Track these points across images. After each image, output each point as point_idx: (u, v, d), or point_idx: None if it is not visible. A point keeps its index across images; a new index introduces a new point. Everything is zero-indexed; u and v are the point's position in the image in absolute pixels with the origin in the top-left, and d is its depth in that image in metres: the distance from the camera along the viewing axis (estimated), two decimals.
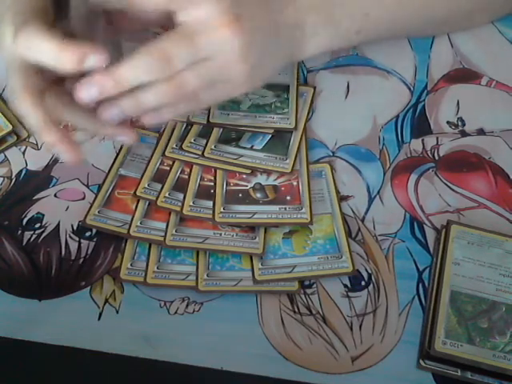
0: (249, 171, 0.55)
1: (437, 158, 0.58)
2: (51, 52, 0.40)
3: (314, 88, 0.61)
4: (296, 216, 0.52)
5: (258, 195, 0.54)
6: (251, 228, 0.52)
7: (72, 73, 0.41)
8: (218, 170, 0.55)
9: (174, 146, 0.56)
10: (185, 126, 0.58)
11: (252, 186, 0.54)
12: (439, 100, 0.62)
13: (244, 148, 0.56)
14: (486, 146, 0.58)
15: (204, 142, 0.56)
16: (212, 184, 0.54)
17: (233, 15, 0.42)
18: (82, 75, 0.41)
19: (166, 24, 0.44)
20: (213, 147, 0.56)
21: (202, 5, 0.41)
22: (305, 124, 0.58)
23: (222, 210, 0.52)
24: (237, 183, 0.54)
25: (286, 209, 0.53)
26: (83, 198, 0.55)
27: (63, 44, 0.40)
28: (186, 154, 0.55)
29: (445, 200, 0.55)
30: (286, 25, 0.48)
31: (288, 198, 0.53)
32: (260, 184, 0.54)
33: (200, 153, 0.55)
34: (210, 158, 0.55)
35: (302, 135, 0.57)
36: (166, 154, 0.55)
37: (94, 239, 0.53)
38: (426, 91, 0.62)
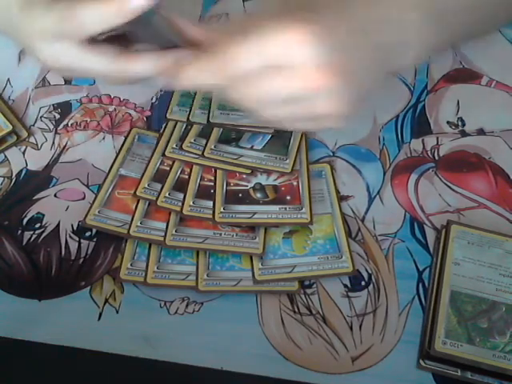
0: (249, 171, 0.55)
1: (437, 157, 0.58)
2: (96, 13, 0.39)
3: None
4: (296, 216, 0.52)
5: (258, 195, 0.54)
6: (251, 228, 0.52)
7: None
8: (217, 170, 0.55)
9: (174, 145, 0.56)
10: (185, 126, 0.58)
11: (252, 186, 0.54)
12: (439, 100, 0.62)
13: (244, 148, 0.56)
14: (486, 146, 0.58)
15: (204, 142, 0.56)
16: (212, 184, 0.54)
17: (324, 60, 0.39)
18: None
19: None
20: (213, 147, 0.56)
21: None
22: None
23: (222, 209, 0.52)
24: (237, 183, 0.54)
25: (286, 209, 0.53)
26: (83, 198, 0.55)
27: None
28: (186, 154, 0.55)
29: (445, 200, 0.55)
30: (389, 34, 0.44)
31: (288, 197, 0.53)
32: (260, 184, 0.54)
33: (200, 153, 0.55)
34: (210, 157, 0.55)
35: (301, 135, 0.57)
36: (166, 154, 0.55)
37: (94, 239, 0.53)
38: (426, 91, 0.62)
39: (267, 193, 0.54)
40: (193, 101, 0.59)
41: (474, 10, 0.50)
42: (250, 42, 0.39)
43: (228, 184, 0.54)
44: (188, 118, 0.58)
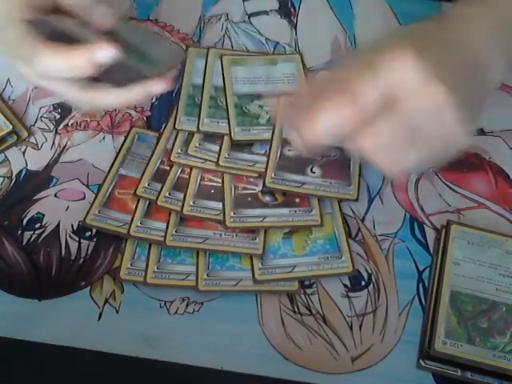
0: (256, 175, 0.54)
1: None
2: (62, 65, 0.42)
3: None
4: (306, 218, 0.52)
5: (267, 198, 0.54)
6: None
7: None
8: (224, 175, 0.55)
9: (179, 150, 0.56)
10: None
11: (260, 189, 0.54)
12: None
13: (257, 154, 0.56)
14: (486, 146, 0.58)
15: (209, 146, 0.56)
16: (212, 184, 0.54)
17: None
18: None
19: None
20: (226, 155, 0.55)
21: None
22: None
23: (232, 214, 0.52)
24: (245, 187, 0.54)
25: (295, 211, 0.53)
26: (83, 198, 0.55)
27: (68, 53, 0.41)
28: (192, 158, 0.55)
29: (445, 200, 0.55)
30: (470, 56, 0.41)
31: (297, 200, 0.53)
32: (268, 187, 0.54)
33: (205, 157, 0.55)
34: (226, 166, 0.55)
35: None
36: (172, 159, 0.55)
37: (94, 239, 0.53)
38: None
39: (276, 196, 0.54)
40: (200, 109, 0.58)
41: None
42: (366, 77, 0.37)
43: (236, 188, 0.54)
44: (198, 128, 0.57)
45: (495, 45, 0.44)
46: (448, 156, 0.41)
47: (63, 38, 0.42)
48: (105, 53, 0.41)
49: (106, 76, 0.43)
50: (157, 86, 0.43)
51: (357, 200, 0.53)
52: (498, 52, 0.45)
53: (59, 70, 0.42)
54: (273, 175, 0.54)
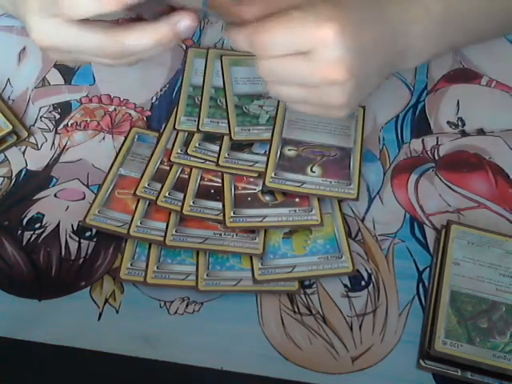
0: (256, 175, 0.54)
1: (437, 158, 0.58)
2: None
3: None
4: (306, 218, 0.52)
5: (267, 198, 0.53)
6: None
7: None
8: (224, 175, 0.55)
9: (179, 150, 0.56)
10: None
11: (260, 189, 0.54)
12: (439, 100, 0.62)
13: (257, 154, 0.56)
14: (486, 145, 0.58)
15: (209, 146, 0.56)
16: (212, 184, 0.54)
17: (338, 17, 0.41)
18: None
19: None
20: (226, 155, 0.55)
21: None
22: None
23: (232, 214, 0.52)
24: (244, 187, 0.54)
25: (295, 211, 0.53)
26: (83, 198, 0.55)
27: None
28: (192, 158, 0.55)
29: (445, 200, 0.55)
30: (398, 36, 0.46)
31: (297, 200, 0.53)
32: (268, 187, 0.54)
33: (205, 157, 0.55)
34: (226, 166, 0.54)
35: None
36: (172, 159, 0.55)
37: (94, 239, 0.53)
38: (426, 91, 0.62)
39: (276, 195, 0.54)
40: (200, 110, 0.58)
41: (486, 18, 0.51)
42: (284, 26, 0.41)
43: (236, 188, 0.54)
44: (198, 128, 0.57)
45: (431, 31, 0.47)
46: (326, 116, 0.48)
47: None
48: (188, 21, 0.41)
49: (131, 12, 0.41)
50: (186, 19, 0.42)
51: (357, 199, 0.53)
52: (432, 39, 0.48)
53: (86, 7, 0.40)
54: (273, 175, 0.54)
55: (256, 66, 0.44)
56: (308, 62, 0.42)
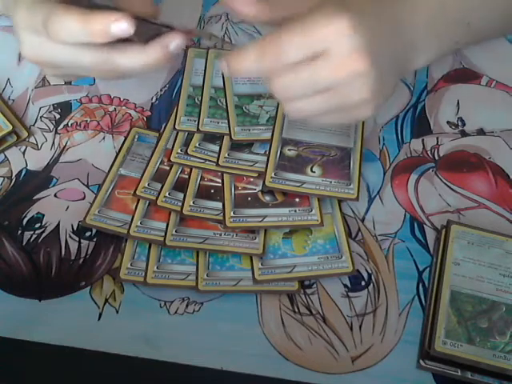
0: (256, 174, 0.54)
1: (437, 158, 0.58)
2: (79, 26, 0.40)
3: None
4: (306, 218, 0.52)
5: (267, 198, 0.53)
6: None
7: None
8: (224, 174, 0.55)
9: (179, 150, 0.56)
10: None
11: (260, 188, 0.54)
12: (439, 100, 0.62)
13: (257, 154, 0.56)
14: (486, 145, 0.58)
15: (209, 146, 0.56)
16: (212, 184, 0.54)
17: (350, 16, 0.40)
18: None
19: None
20: (226, 155, 0.55)
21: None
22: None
23: (232, 214, 0.52)
24: (244, 187, 0.54)
25: (295, 211, 0.53)
26: (83, 198, 0.55)
27: (87, 16, 0.40)
28: (192, 158, 0.55)
29: (445, 200, 0.55)
30: (404, 35, 0.45)
31: (297, 200, 0.53)
32: (268, 186, 0.54)
33: (205, 157, 0.55)
34: (226, 166, 0.54)
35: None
36: (172, 159, 0.55)
37: (94, 239, 0.53)
38: (425, 91, 0.62)
39: (276, 195, 0.54)
40: (200, 110, 0.58)
41: (490, 17, 0.51)
42: (296, 31, 0.40)
43: (236, 188, 0.54)
44: (198, 128, 0.57)
45: (434, 29, 0.47)
46: (351, 121, 0.47)
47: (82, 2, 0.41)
48: (123, 25, 0.40)
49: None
50: (175, 40, 0.42)
51: (357, 199, 0.53)
52: (435, 38, 0.48)
53: (74, 34, 0.41)
54: (273, 175, 0.54)
55: (268, 86, 0.43)
56: (325, 61, 0.41)
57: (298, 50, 0.41)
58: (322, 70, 0.41)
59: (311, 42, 0.40)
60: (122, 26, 0.40)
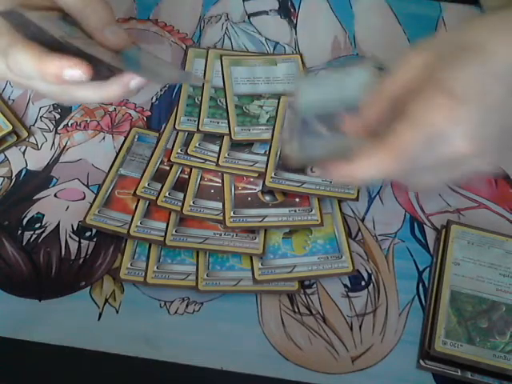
0: (256, 175, 0.54)
1: None
2: (33, 66, 0.41)
3: None
4: (306, 218, 0.52)
5: (267, 198, 0.53)
6: None
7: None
8: (224, 174, 0.55)
9: (179, 150, 0.56)
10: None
11: (260, 188, 0.54)
12: None
13: (257, 154, 0.56)
14: None
15: (209, 146, 0.56)
16: (212, 184, 0.54)
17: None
18: None
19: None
20: (226, 155, 0.55)
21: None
22: None
23: (232, 214, 0.52)
24: (244, 187, 0.54)
25: (295, 211, 0.53)
26: (83, 198, 0.55)
27: (42, 57, 0.41)
28: (192, 158, 0.55)
29: (445, 200, 0.55)
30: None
31: (297, 200, 0.53)
32: (268, 186, 0.54)
33: (205, 157, 0.55)
34: (226, 166, 0.54)
35: None
36: (172, 159, 0.55)
37: (94, 239, 0.53)
38: None
39: (276, 195, 0.54)
40: (200, 110, 0.58)
41: None
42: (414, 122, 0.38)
43: (236, 188, 0.54)
44: (198, 128, 0.57)
45: None
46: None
47: (46, 40, 0.41)
48: (77, 73, 0.40)
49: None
50: (135, 81, 0.42)
51: (357, 199, 0.53)
52: None
53: (28, 71, 0.42)
54: (273, 174, 0.54)
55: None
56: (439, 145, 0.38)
57: (430, 157, 0.39)
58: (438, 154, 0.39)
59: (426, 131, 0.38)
60: (75, 73, 0.40)
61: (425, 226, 0.54)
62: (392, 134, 0.39)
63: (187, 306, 0.50)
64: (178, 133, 0.57)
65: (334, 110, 0.44)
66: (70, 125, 0.59)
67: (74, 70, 0.40)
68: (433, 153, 0.38)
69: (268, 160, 0.55)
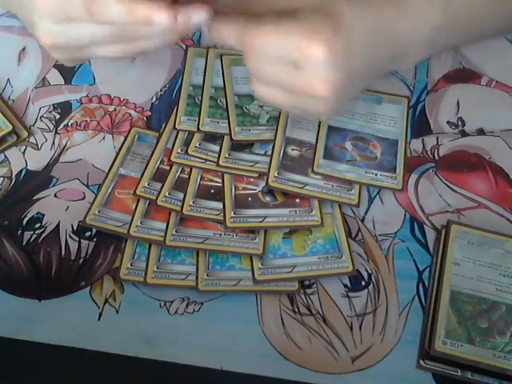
0: (256, 175, 0.54)
1: (437, 157, 0.58)
2: (122, 10, 0.40)
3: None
4: (307, 218, 0.52)
5: (268, 198, 0.53)
6: None
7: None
8: (225, 175, 0.55)
9: (179, 150, 0.56)
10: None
11: (260, 189, 0.54)
12: (439, 100, 0.62)
13: (258, 154, 0.56)
14: (486, 145, 0.58)
15: (209, 146, 0.56)
16: (212, 184, 0.54)
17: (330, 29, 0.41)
18: None
19: None
20: (226, 155, 0.55)
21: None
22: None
23: (232, 214, 0.52)
24: (245, 187, 0.54)
25: (296, 211, 0.53)
26: (83, 198, 0.55)
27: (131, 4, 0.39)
28: (192, 158, 0.55)
29: (445, 200, 0.55)
30: (392, 41, 0.45)
31: (297, 200, 0.53)
32: (270, 186, 0.54)
33: (205, 157, 0.55)
34: (226, 166, 0.54)
35: None
36: (172, 159, 0.55)
37: (94, 239, 0.53)
38: (425, 91, 0.62)
39: (276, 196, 0.54)
40: (200, 109, 0.58)
41: (489, 20, 0.51)
42: (276, 36, 0.41)
43: (236, 188, 0.54)
44: (198, 128, 0.57)
45: (422, 42, 0.47)
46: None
47: None
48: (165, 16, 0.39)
49: None
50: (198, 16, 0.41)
51: (357, 206, 0.53)
52: (419, 49, 0.48)
53: (116, 16, 0.40)
54: (276, 174, 0.54)
55: (244, 61, 0.45)
56: (295, 72, 0.42)
57: (272, 55, 0.42)
58: (289, 76, 0.43)
59: (287, 52, 0.42)
60: (163, 17, 0.39)
61: (425, 225, 0.54)
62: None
63: (187, 305, 0.50)
64: (178, 132, 0.57)
65: None
66: (69, 125, 0.59)
67: (163, 14, 0.39)
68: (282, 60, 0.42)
69: (271, 160, 0.54)
